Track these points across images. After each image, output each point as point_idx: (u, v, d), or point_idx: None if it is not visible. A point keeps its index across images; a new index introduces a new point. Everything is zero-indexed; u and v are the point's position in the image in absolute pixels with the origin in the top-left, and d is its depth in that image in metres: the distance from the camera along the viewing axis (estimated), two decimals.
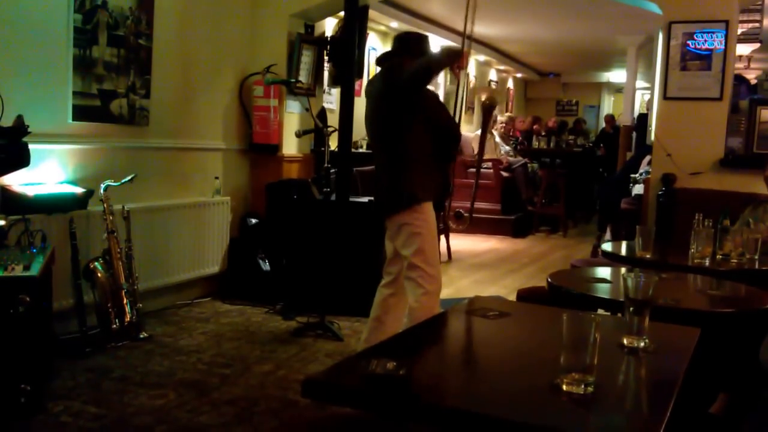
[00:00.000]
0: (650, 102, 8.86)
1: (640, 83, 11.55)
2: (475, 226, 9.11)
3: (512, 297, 5.10)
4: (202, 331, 4.40)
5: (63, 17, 4.00)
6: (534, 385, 1.57)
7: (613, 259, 3.62)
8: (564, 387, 1.49)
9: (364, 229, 5.16)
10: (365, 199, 5.36)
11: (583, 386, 1.48)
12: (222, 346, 4.12)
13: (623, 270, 2.84)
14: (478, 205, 9.33)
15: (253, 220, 5.53)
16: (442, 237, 7.18)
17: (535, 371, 1.67)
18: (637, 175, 6.71)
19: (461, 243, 8.14)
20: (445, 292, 5.83)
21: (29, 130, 3.10)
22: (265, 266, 5.30)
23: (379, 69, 3.64)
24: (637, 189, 6.37)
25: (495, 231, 9.13)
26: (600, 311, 2.61)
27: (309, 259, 4.98)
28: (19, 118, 2.66)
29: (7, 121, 3.07)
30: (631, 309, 1.86)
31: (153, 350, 3.97)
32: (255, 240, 5.42)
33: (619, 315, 2.40)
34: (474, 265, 7.19)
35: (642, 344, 1.84)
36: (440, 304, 5.32)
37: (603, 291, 2.80)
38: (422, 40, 3.63)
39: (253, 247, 5.36)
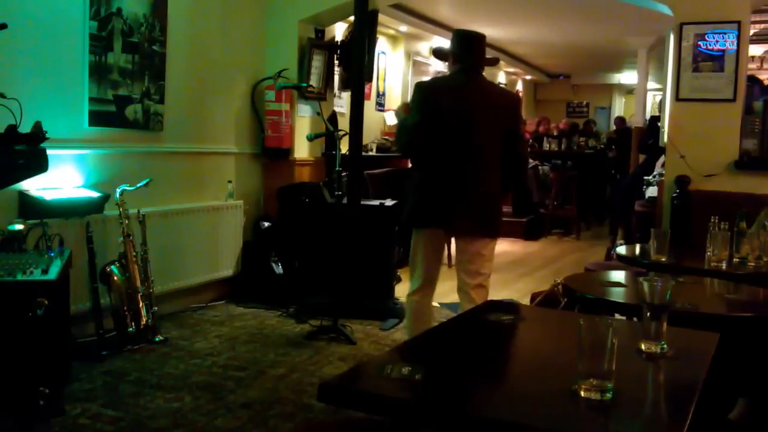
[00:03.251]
0: (661, 103, 8.82)
1: (651, 84, 11.50)
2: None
3: (525, 301, 5.10)
4: (216, 334, 4.43)
5: (79, 24, 4.04)
6: (551, 390, 1.58)
7: (627, 262, 3.61)
8: (582, 393, 1.49)
9: (376, 231, 5.19)
10: (376, 202, 5.38)
11: (601, 392, 1.48)
12: (236, 349, 4.14)
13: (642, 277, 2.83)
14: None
15: (266, 224, 5.56)
16: (453, 240, 7.16)
17: (553, 377, 1.68)
18: (650, 177, 6.69)
19: None
20: (457, 296, 5.84)
21: (47, 135, 3.13)
22: (278, 269, 5.33)
23: (461, 69, 3.51)
24: (651, 191, 6.35)
25: (506, 233, 9.11)
26: (616, 316, 2.61)
27: (321, 262, 5.00)
28: (37, 124, 2.69)
29: (25, 128, 3.10)
30: (649, 314, 1.86)
31: (168, 353, 4.00)
32: (268, 243, 5.44)
33: (635, 319, 2.41)
34: None
35: (660, 349, 1.83)
36: (452, 308, 5.34)
37: (619, 295, 2.80)
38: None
39: (266, 251, 5.38)
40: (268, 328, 4.62)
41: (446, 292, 5.95)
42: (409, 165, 7.44)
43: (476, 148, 3.41)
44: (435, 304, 5.42)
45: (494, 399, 1.55)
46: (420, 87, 3.56)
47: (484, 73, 3.55)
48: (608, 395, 1.48)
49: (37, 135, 2.64)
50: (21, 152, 2.56)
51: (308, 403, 3.36)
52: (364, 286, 4.83)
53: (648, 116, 9.69)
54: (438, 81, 4.10)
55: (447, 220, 3.44)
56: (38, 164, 2.64)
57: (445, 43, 9.69)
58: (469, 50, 3.49)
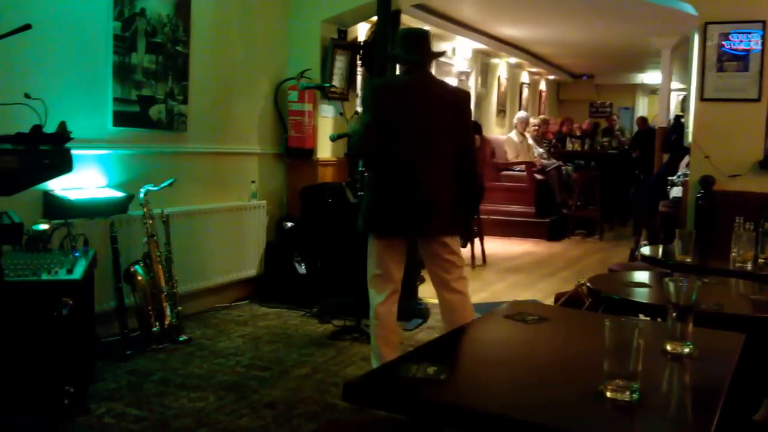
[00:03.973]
0: (685, 103, 8.72)
1: (674, 84, 11.37)
2: (509, 229, 9.11)
3: (548, 301, 5.07)
4: (240, 334, 4.45)
5: (103, 25, 4.08)
6: (577, 391, 1.56)
7: (652, 263, 3.57)
8: (608, 394, 1.48)
9: None
10: None
11: (627, 393, 1.47)
12: (260, 349, 4.16)
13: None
14: (512, 208, 9.34)
15: (289, 224, 5.58)
16: (476, 240, 7.16)
17: (578, 377, 1.66)
18: (674, 177, 6.61)
19: (495, 246, 8.10)
20: (481, 296, 5.83)
21: (71, 136, 3.16)
22: (301, 269, 5.34)
23: (408, 64, 3.50)
24: (675, 191, 6.29)
25: (529, 234, 9.08)
26: (641, 316, 2.59)
27: (344, 262, 5.00)
28: (62, 124, 2.72)
29: (50, 128, 3.14)
30: (675, 314, 1.84)
31: (192, 353, 4.02)
32: (291, 243, 5.46)
33: (659, 320, 2.38)
34: (509, 268, 7.15)
35: (686, 350, 1.81)
36: (477, 308, 5.33)
37: (643, 296, 2.77)
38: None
39: (289, 251, 5.40)
40: (292, 328, 4.64)
41: (470, 292, 5.92)
42: None
43: (430, 145, 3.37)
44: None
45: (520, 400, 1.54)
46: (370, 87, 3.53)
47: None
48: (634, 396, 1.46)
49: (62, 135, 2.67)
50: (46, 152, 2.58)
51: (332, 402, 3.36)
52: None
53: (672, 116, 9.58)
54: (388, 80, 4.05)
55: (411, 226, 3.39)
56: (63, 164, 2.66)
57: (467, 43, 9.68)
58: (413, 48, 3.45)
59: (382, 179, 3.41)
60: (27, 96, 2.81)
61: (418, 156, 3.34)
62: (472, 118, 7.95)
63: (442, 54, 4.10)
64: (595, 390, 1.49)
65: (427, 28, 8.38)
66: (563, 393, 1.57)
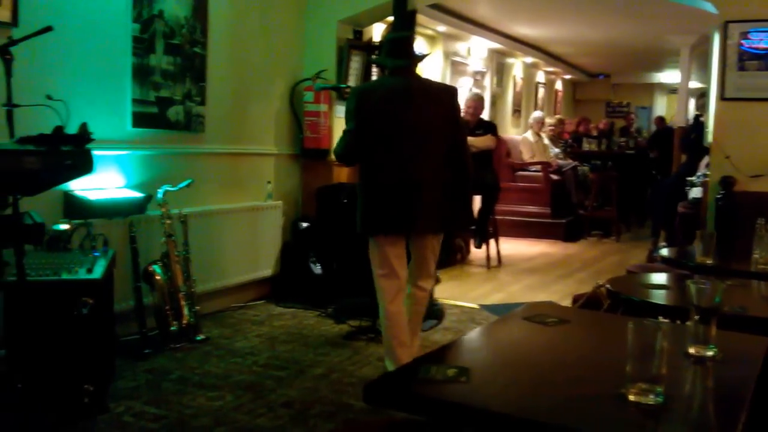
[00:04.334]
0: (704, 102, 8.64)
1: (693, 84, 11.28)
2: (524, 229, 9.08)
3: (564, 302, 5.04)
4: (256, 334, 4.46)
5: (122, 27, 4.11)
6: (599, 394, 1.55)
7: (672, 264, 3.55)
8: (631, 397, 1.47)
9: None
10: None
11: (651, 396, 1.46)
12: (276, 349, 4.17)
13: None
14: (528, 208, 9.30)
15: (305, 224, 5.59)
16: (492, 241, 7.14)
17: (600, 380, 1.65)
18: (694, 177, 6.56)
19: (511, 247, 8.08)
20: (496, 297, 5.81)
21: (92, 137, 3.19)
22: (317, 269, 5.35)
23: (400, 62, 3.58)
24: (695, 192, 6.23)
25: (545, 235, 9.03)
26: (660, 318, 2.57)
27: (360, 263, 4.99)
28: (83, 125, 2.73)
29: (70, 128, 3.16)
30: (698, 317, 1.82)
31: (210, 352, 4.04)
32: (306, 244, 5.47)
33: (678, 322, 2.36)
34: (524, 269, 7.12)
35: (709, 353, 1.79)
36: (492, 310, 5.31)
37: (664, 298, 2.75)
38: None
39: (304, 251, 5.41)
40: (307, 328, 4.64)
41: (486, 294, 5.94)
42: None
43: (419, 143, 3.42)
44: (475, 305, 5.43)
45: (540, 402, 1.53)
46: (354, 93, 3.62)
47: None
48: (658, 399, 1.45)
49: (84, 136, 2.69)
50: (68, 153, 2.60)
51: (348, 402, 3.37)
52: None
53: (690, 116, 9.50)
54: (374, 84, 4.09)
55: (405, 223, 3.45)
56: (85, 165, 2.68)
57: (482, 43, 9.65)
58: (397, 53, 3.55)
59: (372, 180, 3.49)
60: (49, 97, 2.84)
61: (407, 154, 3.41)
62: (488, 119, 7.91)
63: (424, 57, 4.17)
64: (618, 393, 1.48)
65: (441, 28, 8.40)
66: (585, 396, 1.56)
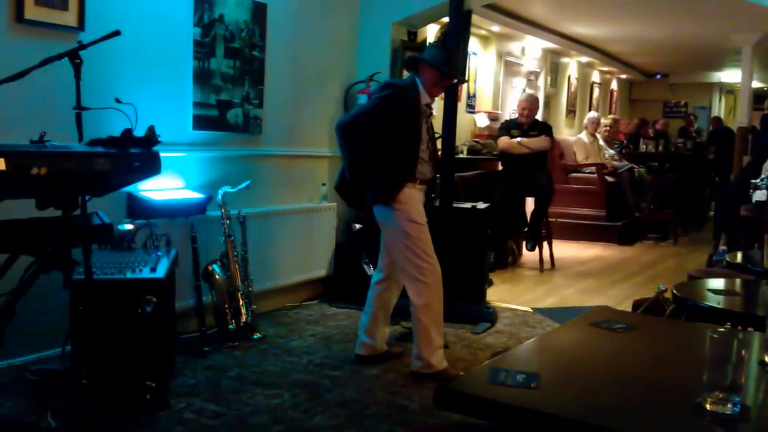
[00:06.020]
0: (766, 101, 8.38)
1: (755, 84, 10.95)
2: (578, 232, 8.94)
3: (621, 307, 4.94)
4: (311, 333, 4.50)
5: (184, 31, 4.19)
6: (674, 403, 1.52)
7: (737, 269, 3.45)
8: (708, 406, 1.43)
9: (468, 234, 5.15)
10: (468, 205, 5.34)
11: (729, 406, 1.42)
12: (331, 348, 4.20)
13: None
14: (582, 211, 9.16)
15: (358, 226, 5.60)
16: (545, 243, 7.05)
17: (673, 388, 1.61)
18: (758, 180, 6.35)
19: (564, 250, 7.96)
20: (550, 301, 5.74)
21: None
22: (370, 271, 5.35)
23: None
24: (758, 195, 6.04)
25: (599, 238, 8.88)
26: (728, 325, 2.50)
27: None
28: (151, 128, 2.81)
29: (139, 132, 3.24)
30: None
31: (266, 350, 4.09)
32: (359, 245, 5.48)
33: (750, 329, 2.29)
34: (579, 273, 7.01)
35: None
36: (546, 314, 5.24)
37: (732, 304, 2.67)
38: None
39: (357, 252, 5.43)
40: None
41: (539, 297, 5.87)
42: (499, 167, 7.39)
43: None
44: (528, 309, 5.37)
45: (615, 410, 1.50)
46: (395, 89, 3.73)
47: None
48: (736, 409, 1.41)
49: (152, 139, 2.76)
50: (136, 155, 2.67)
51: (403, 404, 3.37)
52: (455, 290, 4.79)
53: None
54: (407, 87, 3.99)
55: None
56: (152, 167, 2.75)
57: (536, 43, 9.55)
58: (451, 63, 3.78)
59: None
60: (118, 101, 2.92)
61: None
62: (542, 119, 7.85)
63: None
64: (694, 402, 1.45)
65: (495, 28, 8.35)
66: (659, 404, 1.52)
